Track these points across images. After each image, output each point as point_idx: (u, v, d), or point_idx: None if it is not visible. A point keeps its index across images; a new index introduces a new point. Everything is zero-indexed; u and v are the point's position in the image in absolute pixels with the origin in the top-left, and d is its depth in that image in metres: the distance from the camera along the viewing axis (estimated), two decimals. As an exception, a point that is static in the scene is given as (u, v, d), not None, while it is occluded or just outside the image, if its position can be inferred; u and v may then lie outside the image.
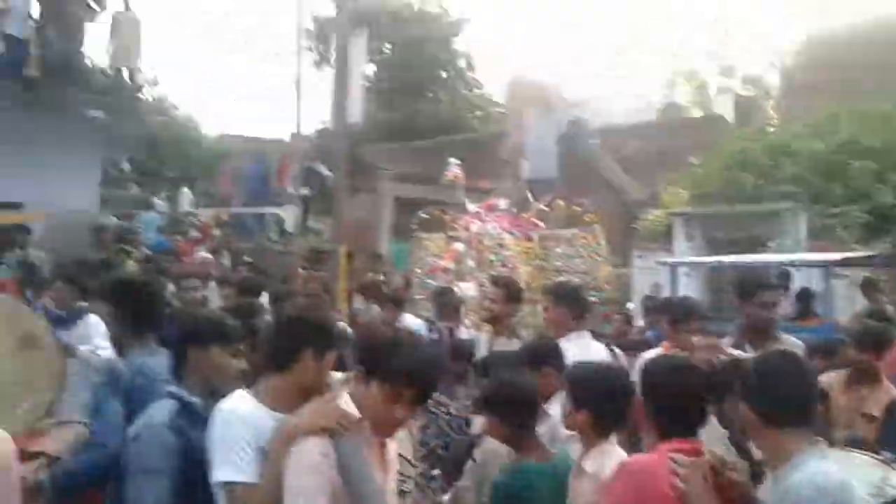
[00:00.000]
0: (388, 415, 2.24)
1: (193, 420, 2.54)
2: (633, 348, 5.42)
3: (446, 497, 3.27)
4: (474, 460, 3.20)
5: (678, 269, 10.51)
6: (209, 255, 9.15)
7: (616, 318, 8.27)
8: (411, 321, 6.15)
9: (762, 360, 2.38)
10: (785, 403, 2.20)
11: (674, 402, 2.41)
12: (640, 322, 9.07)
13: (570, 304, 4.63)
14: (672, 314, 4.33)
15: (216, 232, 12.29)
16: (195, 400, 2.61)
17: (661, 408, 2.43)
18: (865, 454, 3.03)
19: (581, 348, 4.17)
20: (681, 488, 2.21)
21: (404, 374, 2.21)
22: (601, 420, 2.70)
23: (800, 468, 2.12)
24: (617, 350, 4.97)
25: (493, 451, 3.10)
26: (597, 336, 5.02)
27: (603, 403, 2.70)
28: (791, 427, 2.18)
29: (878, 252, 11.00)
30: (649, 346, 5.12)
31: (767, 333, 4.03)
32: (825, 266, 9.11)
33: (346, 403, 2.27)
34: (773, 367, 2.28)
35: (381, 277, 8.66)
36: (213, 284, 7.56)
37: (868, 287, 8.70)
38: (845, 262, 9.88)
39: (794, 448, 2.16)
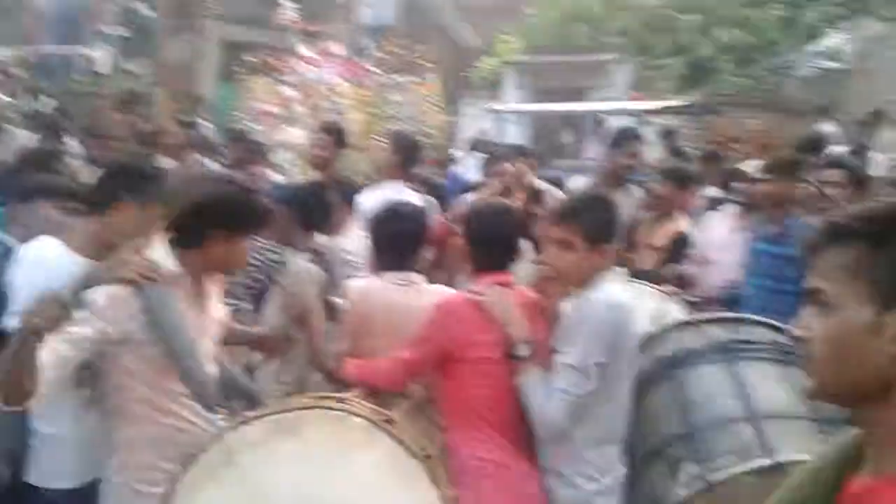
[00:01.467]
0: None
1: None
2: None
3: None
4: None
5: (505, 116, 10.74)
6: (7, 98, 8.26)
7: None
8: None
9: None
10: (606, 231, 2.41)
11: (489, 241, 2.60)
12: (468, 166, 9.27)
13: (404, 155, 4.78)
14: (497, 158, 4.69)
15: (18, 73, 11.07)
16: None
17: (478, 246, 2.61)
18: (650, 285, 3.39)
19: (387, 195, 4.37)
20: (494, 310, 2.43)
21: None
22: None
23: (598, 289, 2.37)
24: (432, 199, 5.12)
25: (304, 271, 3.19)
26: (424, 182, 5.22)
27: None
28: (600, 253, 2.39)
29: (691, 102, 11.77)
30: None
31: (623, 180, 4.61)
32: (640, 114, 9.65)
33: (162, 256, 2.20)
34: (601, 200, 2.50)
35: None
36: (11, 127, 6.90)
37: (666, 136, 9.51)
38: (661, 111, 10.51)
39: (597, 272, 2.40)
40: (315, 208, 3.50)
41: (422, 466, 2.10)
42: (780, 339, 2.47)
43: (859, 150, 7.18)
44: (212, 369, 2.31)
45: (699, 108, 11.19)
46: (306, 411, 2.15)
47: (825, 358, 1.07)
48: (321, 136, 5.22)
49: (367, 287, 2.91)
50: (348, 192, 4.22)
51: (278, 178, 5.95)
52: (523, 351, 2.39)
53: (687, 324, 2.68)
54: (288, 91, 7.68)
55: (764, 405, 2.28)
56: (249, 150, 6.08)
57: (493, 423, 2.42)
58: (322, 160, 5.07)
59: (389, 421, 2.19)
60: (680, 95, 12.51)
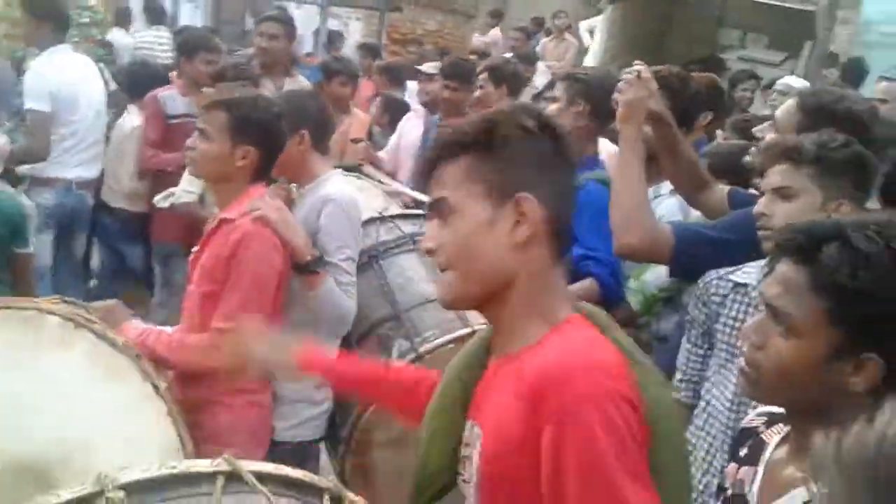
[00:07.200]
0: None
1: None
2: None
3: None
4: None
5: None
6: None
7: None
8: None
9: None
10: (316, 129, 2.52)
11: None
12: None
13: (53, 17, 4.15)
14: (186, 46, 4.36)
15: None
16: None
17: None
18: (368, 181, 3.39)
19: (59, 61, 4.07)
20: (279, 227, 2.28)
21: None
22: None
23: (327, 184, 2.51)
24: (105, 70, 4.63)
25: None
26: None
27: None
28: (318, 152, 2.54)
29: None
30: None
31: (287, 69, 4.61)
32: (323, 6, 9.57)
33: None
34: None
35: None
36: None
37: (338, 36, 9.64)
38: (342, 4, 10.52)
39: (321, 169, 2.55)
40: None
41: (130, 361, 2.02)
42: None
43: (525, 59, 7.54)
44: None
45: (378, 2, 11.24)
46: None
47: (454, 260, 1.20)
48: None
49: None
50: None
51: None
52: (316, 264, 2.31)
53: (380, 219, 2.79)
54: None
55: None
56: None
57: None
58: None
59: (90, 319, 2.05)
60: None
